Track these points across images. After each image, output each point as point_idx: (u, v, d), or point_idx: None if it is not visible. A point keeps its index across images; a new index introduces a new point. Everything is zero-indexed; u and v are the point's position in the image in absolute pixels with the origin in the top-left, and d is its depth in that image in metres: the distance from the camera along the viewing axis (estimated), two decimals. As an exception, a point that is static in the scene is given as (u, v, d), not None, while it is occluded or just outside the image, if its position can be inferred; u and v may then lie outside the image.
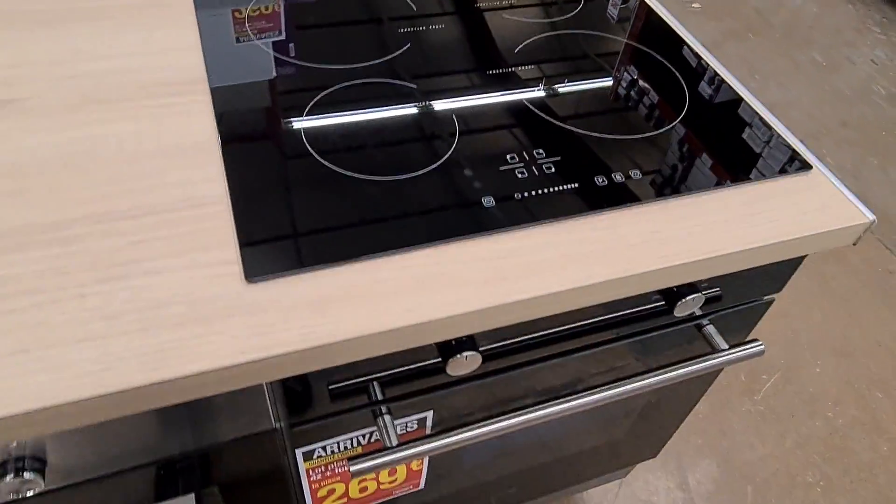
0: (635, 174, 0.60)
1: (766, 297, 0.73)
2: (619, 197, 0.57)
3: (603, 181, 0.59)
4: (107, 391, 0.42)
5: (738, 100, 0.70)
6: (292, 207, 0.54)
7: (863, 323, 1.59)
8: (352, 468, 0.56)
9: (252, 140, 0.59)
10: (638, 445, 0.99)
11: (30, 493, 0.48)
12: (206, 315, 0.46)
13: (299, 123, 0.61)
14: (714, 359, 0.67)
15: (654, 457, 1.06)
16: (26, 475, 0.46)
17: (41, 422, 0.41)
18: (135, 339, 0.44)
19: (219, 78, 0.64)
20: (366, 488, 0.71)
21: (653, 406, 0.88)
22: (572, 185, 0.58)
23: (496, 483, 0.90)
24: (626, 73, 0.72)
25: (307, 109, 0.62)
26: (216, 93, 0.62)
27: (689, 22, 2.50)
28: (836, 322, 1.58)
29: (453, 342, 0.55)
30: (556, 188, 0.57)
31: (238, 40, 0.69)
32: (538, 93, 0.67)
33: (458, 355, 0.54)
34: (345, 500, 0.71)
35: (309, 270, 0.49)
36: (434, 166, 0.58)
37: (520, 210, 0.55)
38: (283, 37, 0.70)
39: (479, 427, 0.60)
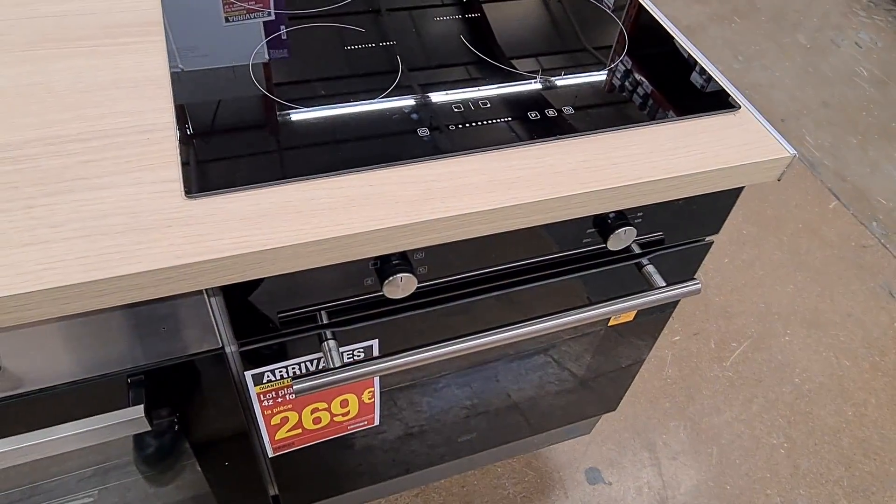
0: (567, 110, 0.62)
1: (705, 239, 0.75)
2: (550, 130, 0.60)
3: (535, 115, 0.61)
4: (46, 287, 0.45)
5: (674, 44, 0.72)
6: (235, 134, 0.57)
7: (834, 295, 1.61)
8: (294, 386, 0.59)
9: (203, 76, 0.62)
10: (595, 396, 1.02)
11: (-18, 395, 0.51)
12: (147, 226, 0.49)
13: (248, 61, 0.64)
14: (652, 295, 0.70)
15: (614, 409, 1.09)
16: (-23, 374, 0.49)
17: (-15, 314, 0.45)
18: (77, 244, 0.47)
19: (175, 20, 0.67)
20: (319, 419, 0.74)
21: (603, 352, 0.91)
22: (505, 119, 0.61)
23: (455, 428, 0.94)
24: (565, 18, 0.75)
25: (256, 49, 0.65)
26: (171, 33, 0.65)
27: (675, 4, 2.52)
28: (809, 294, 1.61)
29: (389, 264, 0.58)
30: (490, 121, 0.60)
31: (197, -12, 0.72)
32: (475, 31, 0.70)
33: (393, 277, 0.57)
34: (299, 430, 0.74)
35: (246, 189, 0.52)
36: (375, 99, 0.61)
37: (452, 140, 0.58)
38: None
39: (418, 352, 0.63)
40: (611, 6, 0.78)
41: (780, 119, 2.10)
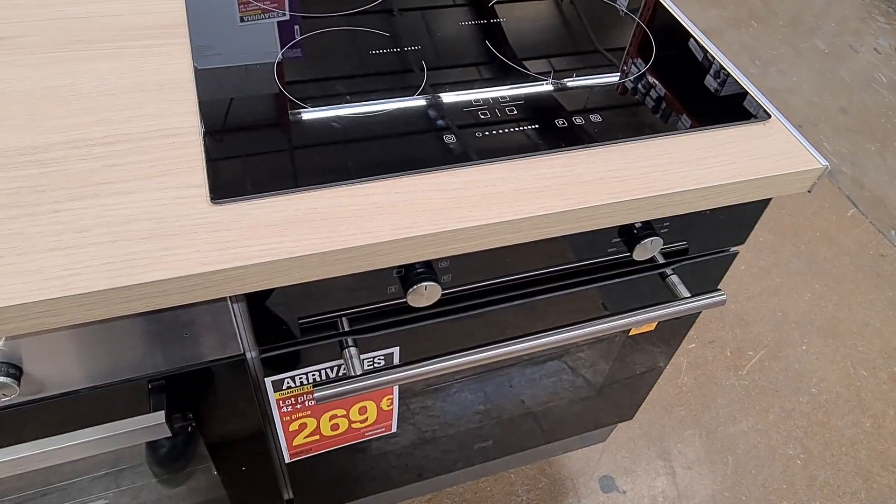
0: (595, 118, 0.61)
1: (730, 249, 0.74)
2: (578, 138, 0.59)
3: (563, 123, 0.61)
4: (72, 293, 0.44)
5: (702, 52, 0.71)
6: (260, 139, 0.56)
7: (852, 304, 1.59)
8: (316, 393, 0.59)
9: (226, 78, 0.61)
10: (613, 405, 1.01)
11: (4, 399, 0.51)
12: (172, 232, 0.49)
13: (273, 66, 0.63)
14: (675, 306, 0.69)
15: (631, 418, 1.08)
16: (1, 379, 0.49)
17: (10, 320, 0.44)
18: (103, 249, 0.47)
19: (199, 22, 0.66)
20: (337, 426, 0.74)
21: (621, 360, 0.90)
22: (533, 127, 0.60)
23: (471, 435, 0.93)
24: (592, 24, 0.74)
25: (281, 52, 0.65)
26: (195, 36, 0.65)
27: (692, 9, 2.50)
28: (826, 303, 1.59)
29: (413, 273, 0.57)
30: (517, 128, 0.59)
31: (221, -10, 0.71)
32: (502, 37, 0.69)
33: (417, 286, 0.57)
34: (317, 436, 0.74)
35: (272, 195, 0.52)
36: (399, 104, 0.61)
37: (479, 147, 0.57)
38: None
39: (440, 361, 0.62)
40: (638, 15, 0.77)
41: (798, 125, 2.08)
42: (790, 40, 2.42)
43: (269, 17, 0.69)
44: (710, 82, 0.68)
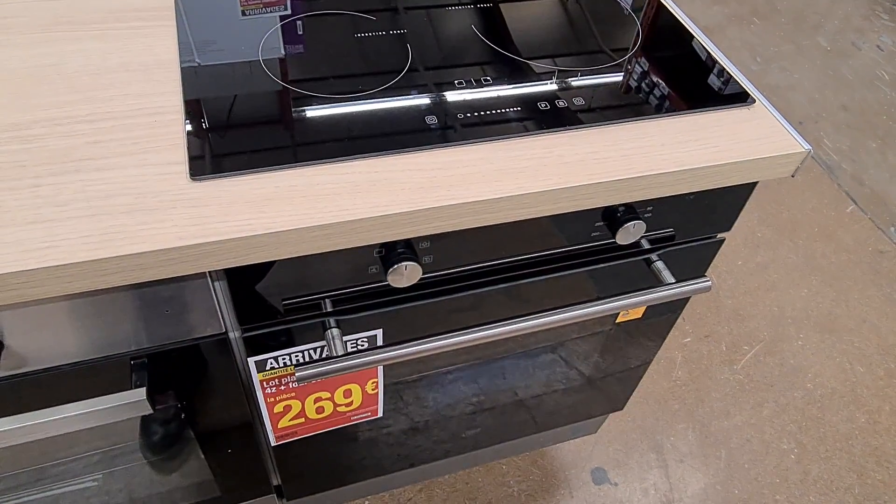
0: (578, 101, 0.62)
1: (716, 236, 0.74)
2: (560, 121, 0.59)
3: (545, 106, 0.61)
4: (49, 265, 0.45)
5: (688, 37, 0.71)
6: (241, 118, 0.56)
7: (850, 300, 1.59)
8: (297, 373, 0.59)
9: (212, 60, 0.61)
10: (603, 395, 1.01)
11: (-14, 372, 0.51)
12: (151, 207, 0.49)
13: (258, 46, 0.63)
14: (660, 291, 0.69)
15: (621, 409, 1.08)
16: (-19, 352, 0.50)
17: (-12, 290, 0.45)
18: (82, 223, 0.48)
19: (187, 3, 0.67)
20: (322, 409, 0.74)
21: (611, 351, 0.90)
22: (514, 109, 0.60)
23: (461, 423, 0.93)
24: (578, 10, 0.74)
25: (266, 35, 0.65)
26: (183, 17, 0.65)
27: (694, 5, 2.50)
28: (823, 298, 1.59)
29: (394, 252, 0.57)
30: (498, 111, 0.60)
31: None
32: (488, 21, 0.70)
33: (398, 265, 0.57)
34: (302, 419, 0.74)
35: (251, 172, 0.52)
36: (382, 86, 0.61)
37: (460, 129, 0.58)
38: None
39: (421, 342, 0.63)
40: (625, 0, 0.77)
41: (799, 122, 2.07)
42: (792, 37, 2.42)
43: (272, 11, 0.69)
44: (696, 68, 0.68)
